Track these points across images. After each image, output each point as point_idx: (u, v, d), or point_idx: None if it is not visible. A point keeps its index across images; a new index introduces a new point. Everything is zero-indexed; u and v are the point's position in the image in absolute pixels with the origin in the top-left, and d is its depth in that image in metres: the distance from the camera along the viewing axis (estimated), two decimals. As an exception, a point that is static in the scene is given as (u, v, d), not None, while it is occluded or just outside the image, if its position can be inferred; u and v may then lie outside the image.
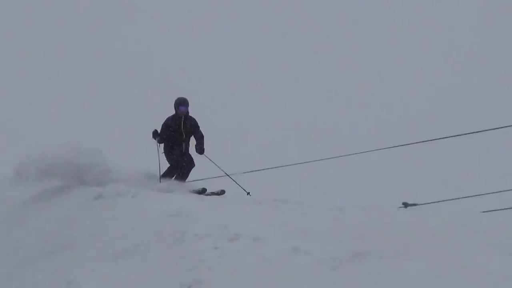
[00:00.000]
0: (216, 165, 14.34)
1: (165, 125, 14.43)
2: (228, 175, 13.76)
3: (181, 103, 14.25)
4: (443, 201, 24.68)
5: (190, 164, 14.88)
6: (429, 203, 23.10)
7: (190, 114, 14.54)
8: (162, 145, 15.57)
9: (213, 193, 14.99)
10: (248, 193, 14.19)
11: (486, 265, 12.54)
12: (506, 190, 25.22)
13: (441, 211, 17.51)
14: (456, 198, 24.30)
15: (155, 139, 14.51)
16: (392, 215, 16.60)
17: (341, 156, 20.95)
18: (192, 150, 15.74)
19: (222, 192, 15.03)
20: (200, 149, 14.45)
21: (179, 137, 14.48)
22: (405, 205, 20.33)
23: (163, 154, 15.21)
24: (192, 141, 16.11)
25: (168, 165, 15.86)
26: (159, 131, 15.29)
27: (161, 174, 15.22)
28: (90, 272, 13.35)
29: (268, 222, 14.80)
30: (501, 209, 23.52)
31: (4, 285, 14.35)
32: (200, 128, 14.64)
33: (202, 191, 14.93)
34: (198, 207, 15.49)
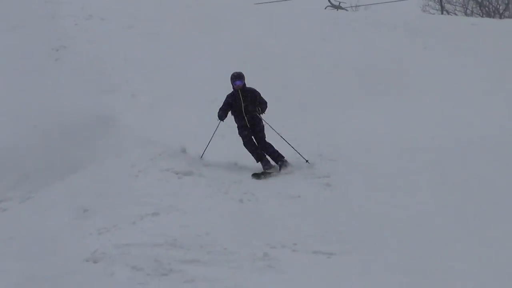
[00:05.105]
0: (273, 129, 14.66)
1: (225, 101, 14.84)
2: (284, 139, 14.61)
3: (235, 78, 14.65)
4: None
5: (262, 140, 14.79)
6: None
7: (248, 86, 14.83)
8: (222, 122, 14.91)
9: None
10: (307, 161, 14.54)
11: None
12: None
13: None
14: None
15: (220, 119, 14.76)
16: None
17: None
18: None
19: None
20: (258, 110, 14.70)
21: (240, 110, 14.63)
22: None
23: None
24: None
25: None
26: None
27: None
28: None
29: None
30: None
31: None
32: (263, 96, 14.96)
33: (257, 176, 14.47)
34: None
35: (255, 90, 14.91)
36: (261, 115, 14.72)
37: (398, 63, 21.93)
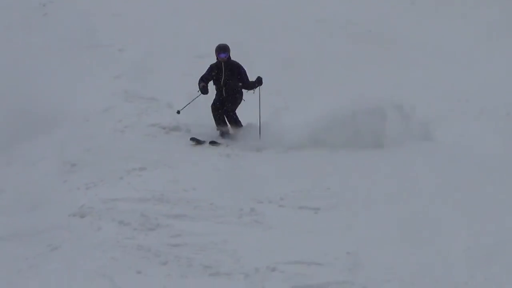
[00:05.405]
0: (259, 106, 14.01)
1: (207, 70, 14.46)
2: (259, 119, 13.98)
3: (220, 50, 14.25)
4: None
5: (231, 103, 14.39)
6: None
7: (233, 59, 14.48)
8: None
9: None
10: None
11: None
12: None
13: None
14: None
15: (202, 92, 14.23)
16: None
17: None
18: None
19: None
20: (256, 83, 14.23)
21: (219, 82, 14.24)
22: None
23: None
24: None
25: None
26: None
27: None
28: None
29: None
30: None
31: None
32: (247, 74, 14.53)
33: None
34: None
35: (241, 66, 14.49)
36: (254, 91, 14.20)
37: (385, 19, 21.75)
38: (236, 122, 14.30)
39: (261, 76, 14.10)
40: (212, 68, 14.41)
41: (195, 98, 14.09)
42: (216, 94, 14.47)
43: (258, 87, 14.18)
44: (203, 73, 14.27)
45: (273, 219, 10.26)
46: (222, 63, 14.25)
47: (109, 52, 16.96)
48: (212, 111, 14.36)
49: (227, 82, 14.29)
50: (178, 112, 14.01)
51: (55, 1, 21.14)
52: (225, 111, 14.33)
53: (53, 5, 20.92)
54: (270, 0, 22.05)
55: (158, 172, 11.74)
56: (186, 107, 13.96)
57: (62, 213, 10.29)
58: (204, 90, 14.18)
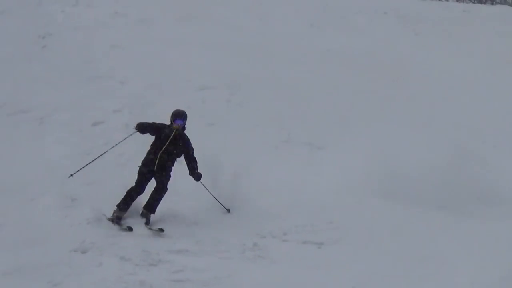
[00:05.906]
0: (205, 188, 12.56)
1: (158, 123, 12.74)
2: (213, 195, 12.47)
3: (177, 116, 12.56)
4: None
5: (162, 185, 12.30)
6: None
7: (185, 132, 12.82)
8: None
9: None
10: (228, 210, 12.34)
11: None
12: None
13: None
14: None
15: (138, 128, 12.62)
16: None
17: None
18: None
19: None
20: (197, 175, 12.43)
21: (160, 147, 12.42)
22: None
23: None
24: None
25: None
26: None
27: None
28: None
29: None
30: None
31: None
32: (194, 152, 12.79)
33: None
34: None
35: (190, 143, 12.70)
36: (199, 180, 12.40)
37: (390, 51, 21.71)
38: (157, 201, 12.06)
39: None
40: (164, 126, 12.72)
41: (126, 138, 12.85)
42: (146, 161, 12.42)
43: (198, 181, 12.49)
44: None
45: (276, 254, 10.27)
46: (174, 131, 12.53)
47: (110, 84, 16.99)
48: (131, 188, 12.12)
49: (168, 150, 12.48)
50: (71, 175, 12.33)
51: (54, 34, 21.20)
52: (155, 188, 12.19)
53: (52, 38, 20.96)
54: (274, 31, 22.14)
55: (160, 206, 11.73)
56: (90, 163, 12.50)
57: (63, 248, 10.26)
58: (141, 128, 12.57)
